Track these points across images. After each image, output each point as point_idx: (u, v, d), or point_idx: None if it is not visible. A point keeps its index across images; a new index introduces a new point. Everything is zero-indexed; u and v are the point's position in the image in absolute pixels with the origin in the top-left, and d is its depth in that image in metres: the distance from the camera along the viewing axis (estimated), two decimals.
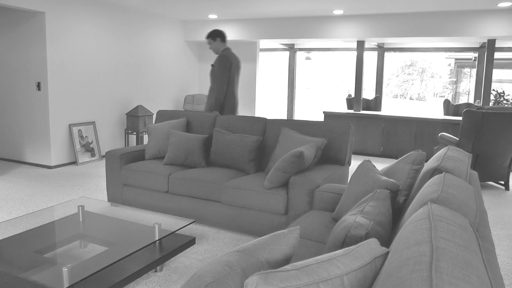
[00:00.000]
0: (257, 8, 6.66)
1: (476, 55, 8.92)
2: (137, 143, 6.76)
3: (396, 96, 35.33)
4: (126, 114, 6.84)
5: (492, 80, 7.09)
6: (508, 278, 2.87)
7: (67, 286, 1.99)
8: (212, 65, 4.81)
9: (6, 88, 6.12)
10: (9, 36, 5.95)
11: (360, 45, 7.54)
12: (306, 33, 7.37)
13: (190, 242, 2.84)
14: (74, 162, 6.19)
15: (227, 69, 4.66)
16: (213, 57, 8.81)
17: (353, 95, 8.98)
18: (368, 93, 20.09)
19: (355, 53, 7.74)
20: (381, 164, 6.57)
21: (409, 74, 34.82)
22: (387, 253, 1.16)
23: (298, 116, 17.03)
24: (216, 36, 4.77)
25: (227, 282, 1.17)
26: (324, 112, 7.62)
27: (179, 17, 7.87)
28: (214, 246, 3.25)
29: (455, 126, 6.65)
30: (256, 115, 8.58)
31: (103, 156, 6.65)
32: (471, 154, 2.31)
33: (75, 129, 6.12)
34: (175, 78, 8.25)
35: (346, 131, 3.66)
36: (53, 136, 5.85)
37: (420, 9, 6.35)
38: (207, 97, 4.89)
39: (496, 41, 7.10)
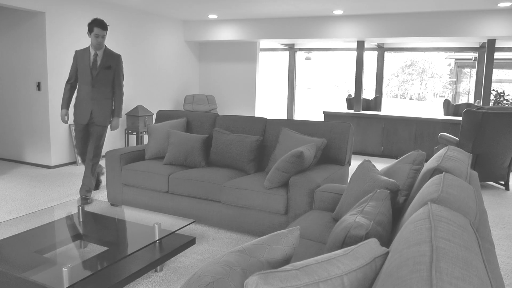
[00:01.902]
0: (257, 8, 6.66)
1: (476, 55, 8.92)
2: (137, 143, 6.76)
3: (396, 96, 35.34)
4: (126, 114, 6.83)
5: (492, 80, 7.09)
6: (508, 278, 2.87)
7: (67, 286, 1.99)
8: (109, 67, 4.18)
9: (6, 88, 6.12)
10: (9, 36, 5.95)
11: (360, 45, 7.54)
12: (306, 33, 7.37)
13: (190, 242, 2.84)
14: (74, 162, 6.19)
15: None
16: (215, 57, 8.80)
17: (353, 95, 8.98)
18: (368, 93, 20.10)
19: (355, 53, 7.74)
20: (381, 164, 6.57)
21: (409, 74, 34.83)
22: (387, 253, 1.16)
23: (298, 116, 17.03)
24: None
25: (227, 282, 1.17)
26: (324, 112, 7.62)
27: (179, 17, 7.87)
28: (214, 246, 3.25)
29: (455, 126, 6.65)
30: (256, 115, 8.58)
31: (103, 156, 6.65)
32: (471, 154, 2.31)
33: None
34: (175, 78, 8.25)
35: (346, 131, 3.66)
36: (53, 136, 5.85)
37: (420, 9, 6.35)
38: (114, 106, 4.31)
39: (496, 41, 7.11)
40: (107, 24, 4.05)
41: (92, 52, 4.14)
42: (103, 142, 4.36)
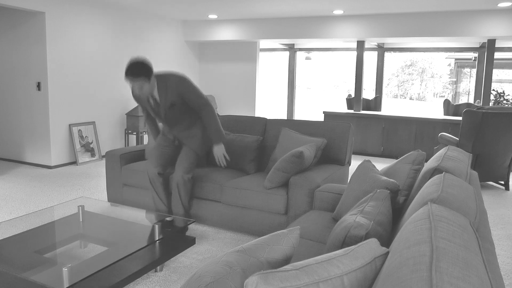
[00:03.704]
0: (257, 8, 6.66)
1: (476, 55, 8.92)
2: (137, 143, 6.76)
3: (396, 96, 35.34)
4: (126, 114, 6.84)
5: (492, 80, 7.09)
6: (508, 278, 2.87)
7: (67, 286, 1.99)
8: (173, 104, 3.12)
9: (6, 88, 6.12)
10: (9, 36, 5.95)
11: (360, 45, 7.54)
12: (306, 33, 7.37)
13: (190, 242, 2.84)
14: (74, 162, 6.19)
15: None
16: (215, 57, 8.80)
17: (353, 95, 8.98)
18: (368, 93, 20.09)
19: (355, 53, 7.74)
20: (381, 164, 6.57)
21: (409, 74, 34.84)
22: (387, 253, 1.16)
23: (298, 116, 17.03)
24: (150, 73, 2.98)
25: (227, 282, 1.17)
26: (324, 112, 7.61)
27: (179, 17, 7.87)
28: (214, 246, 3.24)
29: (455, 126, 6.65)
30: (256, 115, 8.58)
31: (103, 156, 6.65)
32: (471, 154, 2.31)
33: (75, 129, 6.12)
34: None
35: (346, 131, 3.65)
36: (53, 136, 5.85)
37: (420, 9, 6.35)
38: (209, 131, 3.26)
39: (496, 41, 7.11)
40: (143, 65, 2.95)
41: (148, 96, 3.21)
42: (193, 164, 3.34)
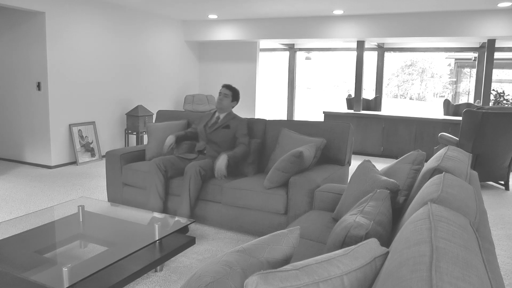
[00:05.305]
0: (257, 8, 6.65)
1: (476, 55, 8.92)
2: (137, 143, 6.76)
3: (396, 96, 35.33)
4: (126, 114, 6.84)
5: (492, 80, 7.09)
6: (508, 278, 2.87)
7: (67, 286, 1.99)
8: (228, 126, 3.77)
9: (6, 88, 6.12)
10: (9, 36, 5.95)
11: (360, 45, 7.54)
12: (306, 33, 7.37)
13: (190, 242, 2.84)
14: (74, 162, 6.19)
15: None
16: (215, 57, 8.79)
17: (353, 95, 8.97)
18: (368, 93, 20.08)
19: (355, 53, 7.74)
20: (381, 164, 6.57)
21: (409, 74, 34.82)
22: (387, 253, 1.16)
23: (298, 116, 17.02)
24: (235, 96, 3.86)
25: (227, 282, 1.17)
26: (324, 112, 7.61)
27: (179, 17, 7.87)
28: (214, 246, 3.24)
29: (455, 126, 6.65)
30: (256, 115, 8.58)
31: (103, 156, 6.65)
32: (471, 154, 2.31)
33: (75, 129, 6.12)
34: (175, 78, 8.25)
35: (346, 131, 3.65)
36: (53, 136, 5.85)
37: (420, 9, 6.35)
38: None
39: (496, 41, 7.11)
40: (237, 90, 3.86)
41: (216, 115, 3.86)
42: (207, 168, 3.55)
